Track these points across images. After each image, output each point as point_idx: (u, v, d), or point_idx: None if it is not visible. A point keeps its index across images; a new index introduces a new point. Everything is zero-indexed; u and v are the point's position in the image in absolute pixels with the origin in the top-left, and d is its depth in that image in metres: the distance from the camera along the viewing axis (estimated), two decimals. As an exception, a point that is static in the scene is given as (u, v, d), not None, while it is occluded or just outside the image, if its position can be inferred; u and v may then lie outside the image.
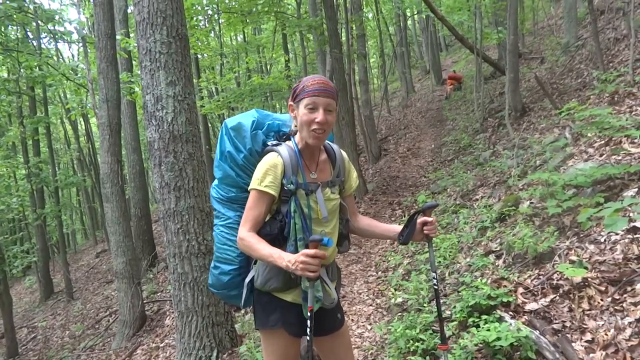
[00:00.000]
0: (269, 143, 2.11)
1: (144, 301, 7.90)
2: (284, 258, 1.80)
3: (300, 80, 2.01)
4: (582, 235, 3.76)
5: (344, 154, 2.23)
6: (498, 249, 4.49)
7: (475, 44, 12.28)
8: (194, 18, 10.85)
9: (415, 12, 21.74)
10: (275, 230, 1.98)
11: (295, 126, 2.04)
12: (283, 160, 1.97)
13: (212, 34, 20.26)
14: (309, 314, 1.88)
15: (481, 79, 12.40)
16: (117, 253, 7.32)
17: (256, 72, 23.06)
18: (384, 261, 6.43)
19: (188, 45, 4.30)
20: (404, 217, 7.97)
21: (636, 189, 4.00)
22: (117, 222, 7.32)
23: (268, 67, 21.84)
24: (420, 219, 2.16)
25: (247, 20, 10.77)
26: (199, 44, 12.25)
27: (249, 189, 2.00)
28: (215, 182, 2.23)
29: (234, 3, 11.94)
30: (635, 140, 5.03)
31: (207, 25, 12.15)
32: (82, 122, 22.73)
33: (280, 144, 2.06)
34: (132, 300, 7.32)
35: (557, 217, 4.24)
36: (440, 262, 4.82)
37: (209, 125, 19.39)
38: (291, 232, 1.95)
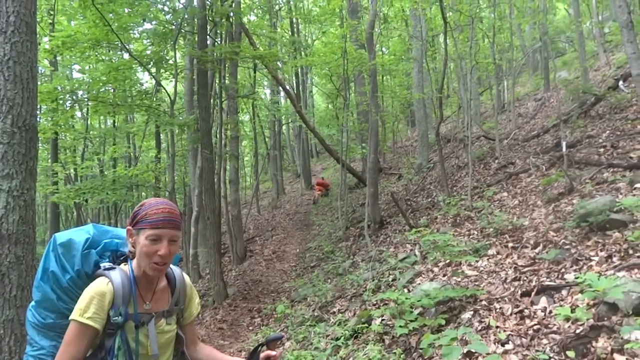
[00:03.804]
0: (101, 265, 1.91)
1: None
2: None
3: (142, 204, 1.86)
4: (425, 358, 3.92)
5: (187, 278, 2.09)
6: (350, 369, 4.48)
7: (341, 156, 13.20)
8: (57, 100, 10.27)
9: (290, 121, 23.11)
10: None
11: (133, 247, 1.88)
12: (114, 287, 1.77)
13: (78, 115, 19.29)
14: None
15: (345, 188, 13.21)
16: None
17: (124, 159, 22.10)
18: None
19: (36, 136, 3.96)
20: (263, 326, 7.74)
21: (472, 312, 4.36)
22: None
23: (138, 155, 21.06)
24: (264, 353, 2.05)
25: (116, 111, 10.49)
26: (60, 127, 11.51)
27: (69, 318, 1.75)
28: (32, 303, 1.94)
29: (104, 89, 11.63)
30: (472, 264, 5.61)
31: (67, 108, 11.52)
32: None
33: (115, 267, 1.87)
34: None
35: (404, 337, 4.42)
36: (293, 382, 4.65)
37: (61, 217, 17.74)
38: None
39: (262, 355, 2.04)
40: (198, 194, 11.63)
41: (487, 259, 5.63)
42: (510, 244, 5.86)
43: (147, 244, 1.77)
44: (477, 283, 5.05)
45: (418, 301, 4.51)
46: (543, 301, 4.04)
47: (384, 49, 22.39)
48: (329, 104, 24.85)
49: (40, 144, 15.65)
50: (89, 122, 20.06)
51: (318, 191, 18.55)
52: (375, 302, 5.74)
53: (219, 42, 11.64)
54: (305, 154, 23.81)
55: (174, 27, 11.47)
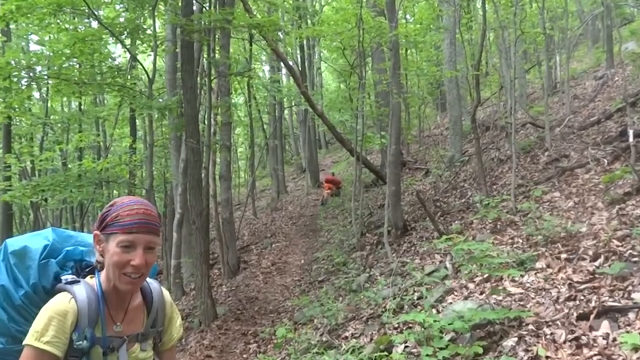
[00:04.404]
0: (62, 278, 1.90)
1: None
2: None
3: (112, 204, 1.85)
4: (458, 395, 3.90)
5: (166, 294, 2.08)
6: (365, 407, 4.47)
7: (356, 147, 13.15)
8: (10, 78, 10.31)
9: (293, 104, 23.10)
10: None
11: (102, 256, 1.87)
12: (78, 305, 1.76)
13: (36, 96, 19.41)
14: None
15: (361, 186, 13.18)
16: None
17: (92, 149, 22.22)
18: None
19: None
20: (260, 353, 7.75)
21: (516, 338, 4.32)
22: None
23: (109, 145, 21.22)
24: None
25: (82, 91, 10.51)
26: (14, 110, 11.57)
27: (23, 343, 1.74)
28: (-22, 325, 1.94)
29: (68, 64, 11.66)
30: (516, 279, 5.57)
31: (23, 87, 11.57)
32: None
33: (79, 280, 1.86)
34: None
35: (433, 369, 4.39)
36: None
37: (15, 220, 17.87)
38: None
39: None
40: (182, 193, 11.66)
41: (535, 274, 5.58)
42: (563, 255, 5.80)
43: (118, 252, 1.76)
44: (522, 303, 5.00)
45: (449, 324, 4.48)
46: (605, 326, 3.98)
47: (408, 16, 22.32)
48: (340, 83, 24.87)
49: (-10, 131, 15.77)
50: (49, 105, 20.23)
51: (327, 190, 18.57)
52: (396, 325, 5.71)
53: (207, 8, 11.65)
54: (312, 144, 23.83)
55: (152, -11, 11.49)
